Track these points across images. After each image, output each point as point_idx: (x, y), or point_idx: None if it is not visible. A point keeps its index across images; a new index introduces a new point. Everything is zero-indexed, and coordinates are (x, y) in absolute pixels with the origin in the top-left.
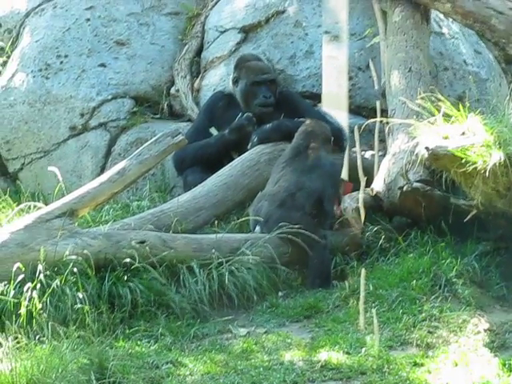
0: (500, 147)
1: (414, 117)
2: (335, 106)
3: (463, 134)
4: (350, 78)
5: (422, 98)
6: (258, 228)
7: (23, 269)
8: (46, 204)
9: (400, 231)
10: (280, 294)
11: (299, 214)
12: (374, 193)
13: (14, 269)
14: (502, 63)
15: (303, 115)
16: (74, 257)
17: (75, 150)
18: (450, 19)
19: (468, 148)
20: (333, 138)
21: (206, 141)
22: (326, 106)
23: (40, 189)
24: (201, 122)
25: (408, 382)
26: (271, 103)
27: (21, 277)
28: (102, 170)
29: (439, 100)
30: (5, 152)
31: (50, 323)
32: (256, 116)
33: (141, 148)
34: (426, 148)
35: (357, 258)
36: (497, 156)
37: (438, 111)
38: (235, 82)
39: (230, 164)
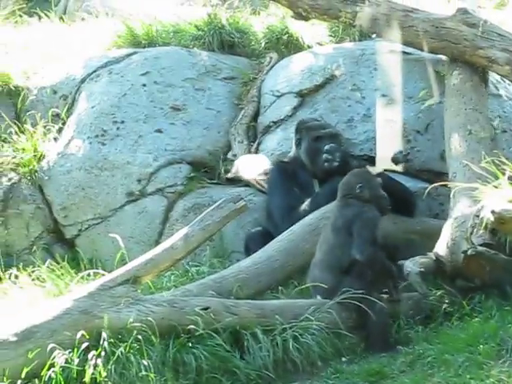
0: None
1: (478, 180)
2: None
3: None
4: (409, 141)
5: (487, 162)
6: (318, 297)
7: (87, 336)
8: (105, 270)
9: (464, 295)
10: (344, 359)
11: (359, 280)
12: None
13: (78, 336)
14: None
15: None
16: (137, 324)
17: (132, 215)
18: (508, 81)
19: None
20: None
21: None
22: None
23: (97, 255)
24: (284, 186)
25: None
26: (336, 158)
27: (85, 344)
28: (160, 236)
29: (502, 163)
30: (61, 218)
31: None
32: (323, 173)
33: (203, 214)
34: (492, 211)
35: (421, 323)
36: None
37: (503, 174)
38: (298, 144)
39: (290, 229)
